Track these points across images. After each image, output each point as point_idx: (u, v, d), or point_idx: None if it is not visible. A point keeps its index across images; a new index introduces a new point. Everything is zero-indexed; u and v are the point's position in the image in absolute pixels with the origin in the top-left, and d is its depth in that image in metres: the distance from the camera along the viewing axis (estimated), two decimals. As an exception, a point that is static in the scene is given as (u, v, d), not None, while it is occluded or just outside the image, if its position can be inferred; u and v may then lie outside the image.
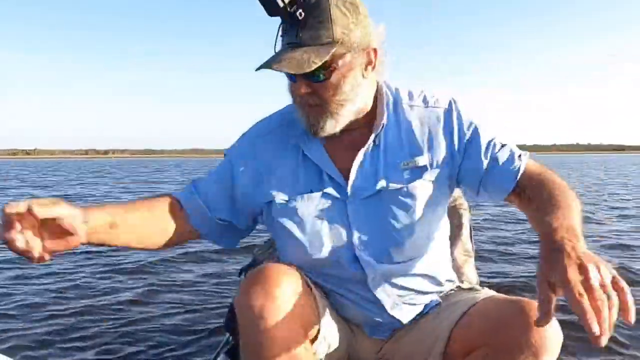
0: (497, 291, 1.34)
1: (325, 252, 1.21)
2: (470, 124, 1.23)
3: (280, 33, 1.12)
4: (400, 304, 1.27)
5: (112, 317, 2.45)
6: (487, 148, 1.21)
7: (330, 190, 1.21)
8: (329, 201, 1.21)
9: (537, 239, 0.95)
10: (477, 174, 1.22)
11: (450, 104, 1.24)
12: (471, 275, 1.68)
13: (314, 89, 1.12)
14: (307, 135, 1.21)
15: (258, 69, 1.09)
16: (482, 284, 1.54)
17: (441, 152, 1.21)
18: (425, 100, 1.25)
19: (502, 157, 1.20)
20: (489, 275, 3.36)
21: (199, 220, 1.26)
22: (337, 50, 1.08)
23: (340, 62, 1.11)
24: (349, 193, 1.20)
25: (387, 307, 1.25)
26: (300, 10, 1.06)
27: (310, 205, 1.21)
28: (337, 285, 1.26)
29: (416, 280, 1.27)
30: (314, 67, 1.06)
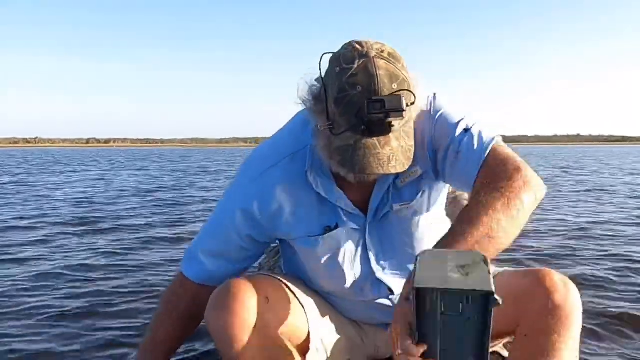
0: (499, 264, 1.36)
1: (348, 283, 1.24)
2: (447, 120, 1.16)
3: (356, 124, 0.98)
4: None
5: (109, 318, 2.28)
6: (458, 139, 1.14)
7: (348, 225, 1.21)
8: (348, 235, 1.21)
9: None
10: (450, 166, 1.16)
11: (430, 104, 1.17)
12: None
13: None
14: (316, 172, 1.17)
15: (360, 173, 1.01)
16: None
17: (426, 157, 1.18)
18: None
19: (468, 143, 1.12)
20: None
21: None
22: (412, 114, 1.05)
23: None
24: (367, 222, 1.21)
25: None
26: (404, 101, 0.98)
27: (329, 243, 1.21)
28: (354, 302, 1.29)
29: None
30: (412, 152, 1.04)
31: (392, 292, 1.26)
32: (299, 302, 1.22)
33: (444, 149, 1.15)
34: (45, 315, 2.31)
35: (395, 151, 0.99)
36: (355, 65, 0.99)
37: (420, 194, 1.22)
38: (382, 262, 1.25)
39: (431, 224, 1.26)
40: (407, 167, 1.01)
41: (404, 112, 0.97)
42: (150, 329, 1.32)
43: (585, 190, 8.41)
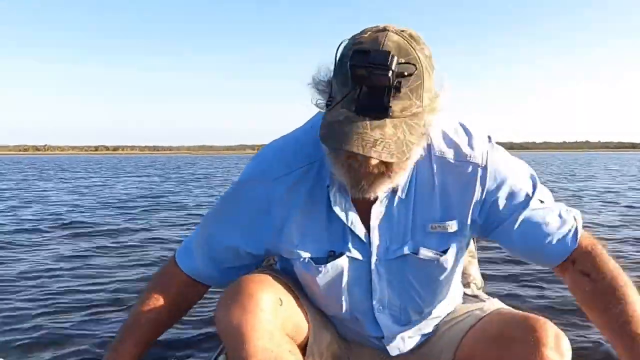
0: (500, 299, 1.35)
1: (345, 312, 1.19)
2: (507, 182, 1.09)
3: (349, 95, 0.89)
4: (408, 343, 1.25)
5: (108, 318, 2.39)
6: (528, 213, 1.08)
7: (355, 253, 1.12)
8: (353, 264, 1.13)
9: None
10: (511, 242, 1.11)
11: (486, 158, 1.08)
12: (477, 276, 1.67)
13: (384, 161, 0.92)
14: (337, 187, 1.07)
15: (336, 148, 0.89)
16: (486, 285, 1.56)
17: (472, 216, 1.10)
18: (458, 152, 1.08)
19: (550, 227, 1.08)
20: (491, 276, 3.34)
21: (218, 284, 1.26)
22: (425, 118, 0.93)
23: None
24: (373, 255, 1.12)
25: (394, 353, 1.24)
26: (400, 79, 0.87)
27: (333, 271, 1.13)
28: (349, 329, 1.25)
29: (430, 323, 1.26)
30: (413, 149, 0.91)
31: (382, 337, 1.22)
32: (304, 306, 1.18)
33: (511, 213, 1.09)
34: (41, 312, 2.49)
35: (387, 138, 0.87)
36: (366, 35, 0.92)
37: (450, 250, 1.13)
38: (384, 303, 1.18)
39: (450, 280, 1.20)
40: (396, 160, 0.89)
41: (390, 73, 0.84)
42: (133, 312, 1.21)
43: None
